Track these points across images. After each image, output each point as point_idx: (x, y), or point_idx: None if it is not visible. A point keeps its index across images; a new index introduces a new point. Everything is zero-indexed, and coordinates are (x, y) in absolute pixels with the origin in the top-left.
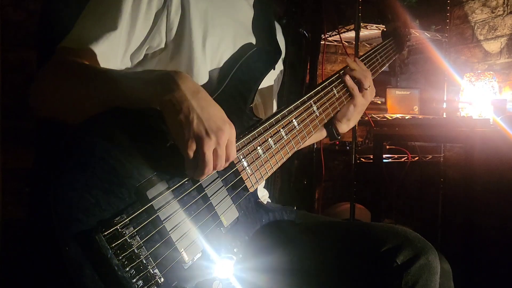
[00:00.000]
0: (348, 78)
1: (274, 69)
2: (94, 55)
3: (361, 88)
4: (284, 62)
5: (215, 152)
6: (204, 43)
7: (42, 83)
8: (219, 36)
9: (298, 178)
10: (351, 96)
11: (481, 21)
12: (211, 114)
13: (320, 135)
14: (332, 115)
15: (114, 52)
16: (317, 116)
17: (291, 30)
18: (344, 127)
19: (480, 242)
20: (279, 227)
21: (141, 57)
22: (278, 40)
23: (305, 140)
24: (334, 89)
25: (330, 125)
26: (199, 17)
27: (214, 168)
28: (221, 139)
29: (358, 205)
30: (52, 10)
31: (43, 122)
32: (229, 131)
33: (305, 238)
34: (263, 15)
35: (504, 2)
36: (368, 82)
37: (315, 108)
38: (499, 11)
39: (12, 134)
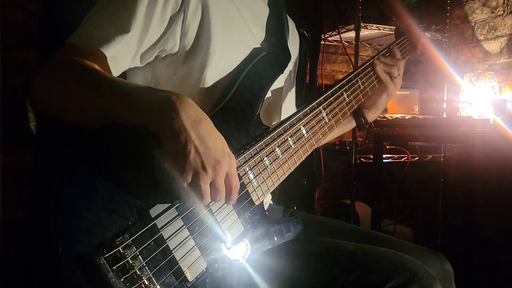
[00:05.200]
0: (380, 68)
1: (282, 73)
2: (104, 57)
3: (391, 77)
4: None
5: (212, 185)
6: (222, 48)
7: (47, 79)
8: (236, 41)
9: (298, 178)
10: (380, 86)
11: (481, 21)
12: (210, 146)
13: (349, 125)
14: (342, 120)
15: (124, 55)
16: (326, 123)
17: None
18: (372, 115)
19: (480, 242)
20: (285, 244)
21: (152, 57)
22: (290, 38)
23: (313, 148)
24: (359, 80)
25: (359, 115)
26: (220, 22)
27: (214, 200)
28: (218, 173)
29: (360, 202)
30: (53, 8)
31: (43, 123)
32: (228, 163)
33: (308, 258)
34: (277, 14)
35: (504, 2)
36: (398, 70)
37: (324, 114)
38: (499, 11)
39: (12, 134)
